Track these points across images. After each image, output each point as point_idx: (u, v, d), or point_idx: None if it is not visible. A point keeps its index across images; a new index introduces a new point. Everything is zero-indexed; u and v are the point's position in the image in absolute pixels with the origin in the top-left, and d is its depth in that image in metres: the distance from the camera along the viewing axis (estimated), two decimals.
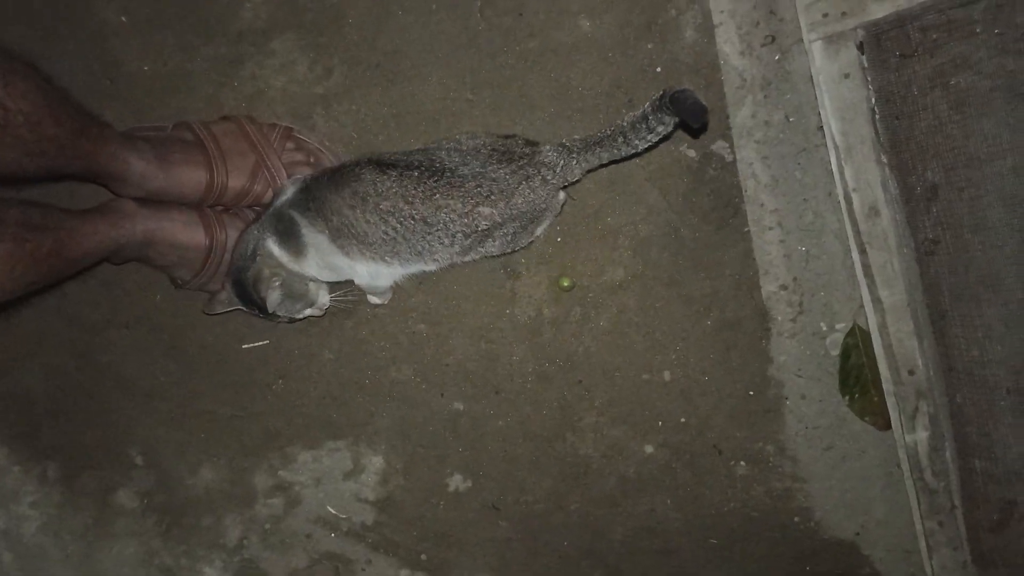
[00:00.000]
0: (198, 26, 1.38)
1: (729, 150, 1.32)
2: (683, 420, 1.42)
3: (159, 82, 1.39)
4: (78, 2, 1.39)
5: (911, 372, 1.24)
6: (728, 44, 1.29)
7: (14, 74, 0.97)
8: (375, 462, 1.49)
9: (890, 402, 1.28)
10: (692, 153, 1.32)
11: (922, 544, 1.32)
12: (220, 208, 1.36)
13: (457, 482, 1.48)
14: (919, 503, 1.30)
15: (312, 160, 1.36)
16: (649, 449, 1.43)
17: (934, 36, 1.13)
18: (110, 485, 1.54)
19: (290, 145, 1.35)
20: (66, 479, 1.55)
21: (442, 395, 1.45)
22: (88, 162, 1.15)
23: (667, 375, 1.40)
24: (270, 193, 1.33)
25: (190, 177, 1.28)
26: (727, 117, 1.31)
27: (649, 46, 1.30)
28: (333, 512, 1.51)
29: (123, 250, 1.27)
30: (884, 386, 1.28)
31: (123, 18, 1.38)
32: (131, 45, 1.39)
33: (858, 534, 1.42)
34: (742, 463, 1.42)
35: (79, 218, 1.19)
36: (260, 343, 1.45)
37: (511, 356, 1.42)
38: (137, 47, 1.39)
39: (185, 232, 1.30)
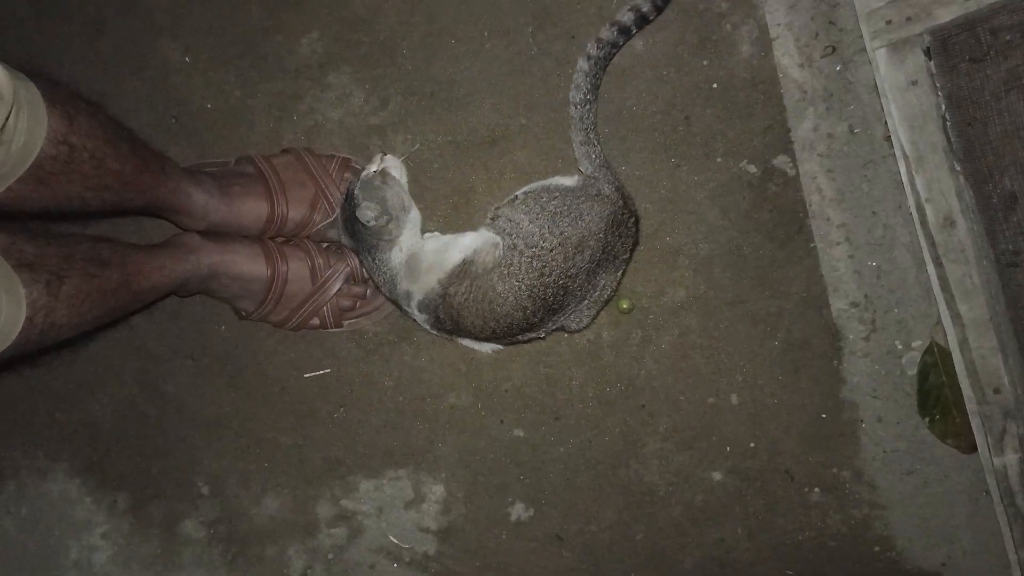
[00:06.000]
0: (258, 63, 1.41)
1: (791, 164, 1.28)
2: (752, 445, 1.37)
3: (221, 118, 1.43)
4: (143, 44, 1.44)
5: (996, 391, 1.18)
6: (787, 57, 1.26)
7: (79, 112, 1.00)
8: (436, 491, 1.47)
9: (975, 423, 1.21)
10: (753, 169, 1.29)
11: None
12: (281, 239, 1.39)
13: (519, 511, 1.45)
14: (1011, 531, 1.22)
15: None
16: (717, 476, 1.38)
17: (1007, 38, 1.08)
18: (177, 515, 1.56)
19: (348, 175, 1.36)
20: (135, 509, 1.58)
21: (501, 422, 1.43)
22: (151, 196, 1.18)
23: (734, 398, 1.35)
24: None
25: (251, 209, 1.31)
26: (788, 131, 1.27)
27: (704, 62, 1.28)
28: (395, 542, 1.50)
29: (189, 283, 1.30)
30: (967, 406, 1.21)
31: (186, 58, 1.43)
32: (194, 83, 1.44)
33: (944, 564, 1.34)
34: (816, 490, 1.36)
35: (146, 253, 1.23)
36: (321, 372, 1.46)
37: (571, 381, 1.40)
38: (200, 85, 1.43)
39: (248, 264, 1.33)
